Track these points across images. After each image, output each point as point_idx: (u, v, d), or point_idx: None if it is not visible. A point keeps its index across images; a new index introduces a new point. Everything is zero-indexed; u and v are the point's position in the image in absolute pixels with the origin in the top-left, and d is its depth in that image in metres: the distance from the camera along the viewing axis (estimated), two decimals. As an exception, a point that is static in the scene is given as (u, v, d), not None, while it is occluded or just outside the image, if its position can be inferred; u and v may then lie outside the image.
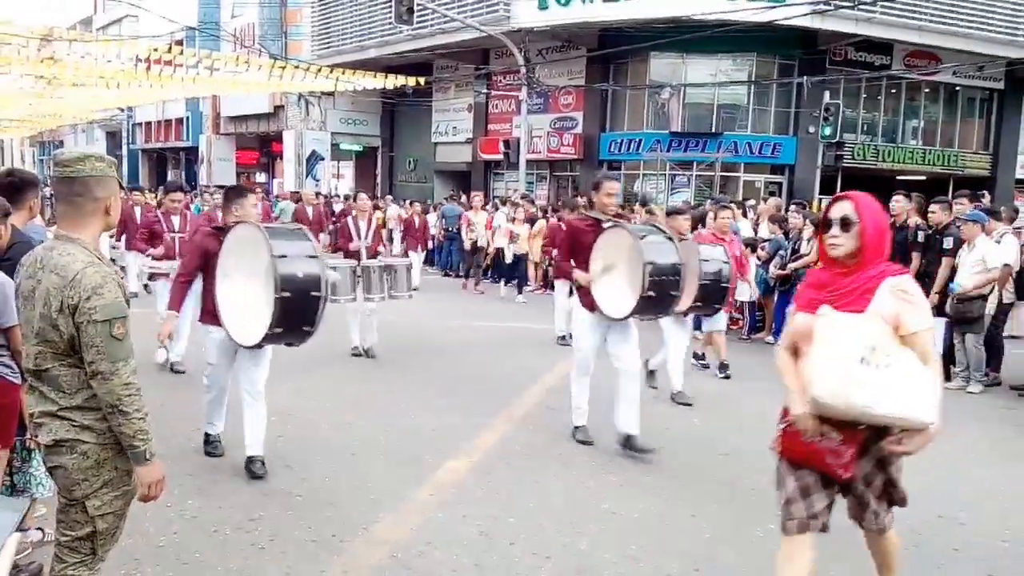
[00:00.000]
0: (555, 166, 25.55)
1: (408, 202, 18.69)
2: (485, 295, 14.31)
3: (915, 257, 8.30)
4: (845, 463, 2.77)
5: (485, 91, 26.37)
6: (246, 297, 4.66)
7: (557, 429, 5.92)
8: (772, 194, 20.50)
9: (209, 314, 4.89)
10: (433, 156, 29.92)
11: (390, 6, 20.20)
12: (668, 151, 22.48)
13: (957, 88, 25.05)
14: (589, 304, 5.46)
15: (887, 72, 22.84)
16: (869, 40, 21.22)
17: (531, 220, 14.66)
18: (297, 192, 21.69)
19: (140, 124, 42.06)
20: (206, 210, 14.59)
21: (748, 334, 10.28)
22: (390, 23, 22.51)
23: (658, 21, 19.45)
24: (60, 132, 45.19)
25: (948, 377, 7.89)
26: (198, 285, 5.12)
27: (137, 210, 11.13)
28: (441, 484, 4.84)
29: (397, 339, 9.00)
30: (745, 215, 12.52)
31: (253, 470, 4.78)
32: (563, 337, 9.54)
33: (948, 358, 7.95)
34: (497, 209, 16.55)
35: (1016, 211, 9.75)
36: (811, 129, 21.65)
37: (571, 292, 8.47)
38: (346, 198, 22.19)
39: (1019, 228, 8.91)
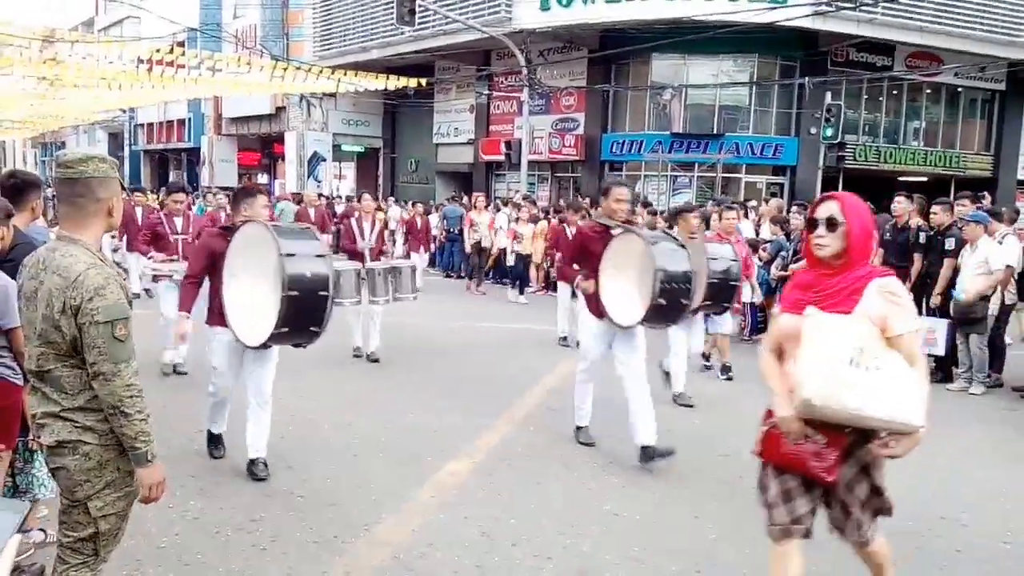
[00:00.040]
0: (556, 167, 25.56)
1: (410, 203, 18.70)
2: (487, 296, 14.32)
3: (917, 258, 8.31)
4: (828, 466, 2.73)
5: (487, 92, 26.37)
6: (253, 297, 4.62)
7: (558, 430, 5.92)
8: (774, 195, 20.48)
9: (215, 315, 4.82)
10: (435, 157, 29.93)
11: (392, 7, 20.26)
12: (669, 152, 22.47)
13: (959, 89, 25.03)
14: (597, 311, 5.37)
15: (888, 73, 22.85)
16: (870, 41, 21.21)
17: (534, 220, 14.67)
18: (298, 193, 21.69)
19: (142, 125, 42.07)
20: (209, 211, 14.60)
21: (750, 335, 10.28)
22: (392, 24, 22.57)
23: (660, 22, 19.46)
24: (62, 133, 45.22)
25: (950, 378, 7.90)
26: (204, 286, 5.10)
27: (139, 211, 11.12)
28: (442, 485, 4.84)
29: (399, 340, 9.00)
30: (747, 216, 12.52)
31: (255, 472, 4.78)
32: (565, 338, 9.55)
33: (951, 360, 7.95)
34: (499, 210, 16.56)
35: (1017, 212, 9.74)
36: (813, 130, 21.66)
37: (573, 294, 8.49)
38: (348, 199, 22.21)
39: (1021, 229, 8.91)
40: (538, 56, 22.76)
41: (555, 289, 10.82)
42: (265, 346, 4.68)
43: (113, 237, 11.75)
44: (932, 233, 8.22)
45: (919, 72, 23.04)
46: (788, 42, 20.90)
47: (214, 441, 5.21)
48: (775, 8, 19.00)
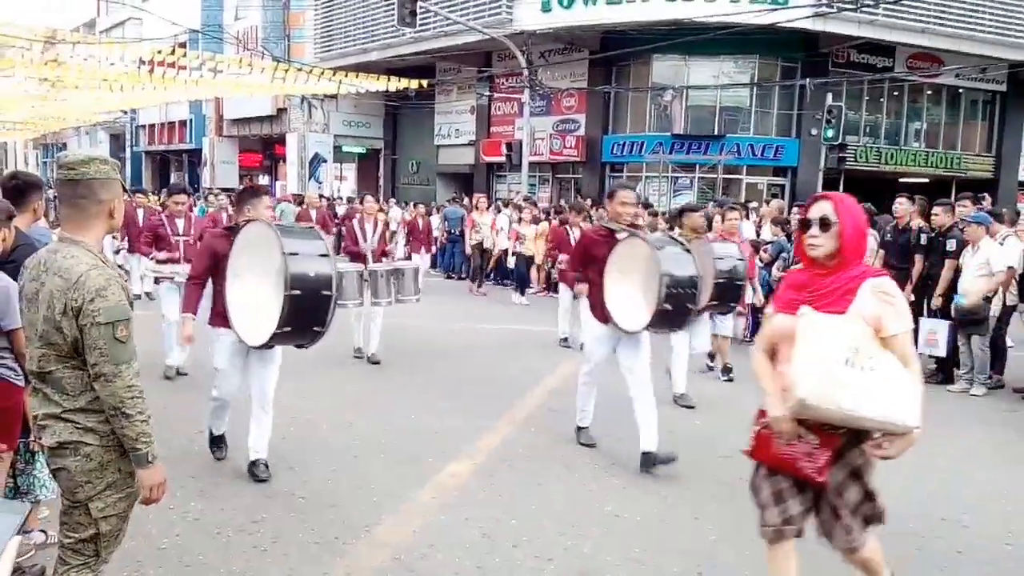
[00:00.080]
0: (557, 168, 25.57)
1: (412, 204, 18.69)
2: (488, 297, 14.32)
3: (918, 260, 8.30)
4: (819, 467, 2.72)
5: (487, 93, 26.39)
6: (257, 297, 4.60)
7: (559, 431, 5.92)
8: (775, 196, 20.46)
9: (219, 316, 4.80)
10: (436, 158, 29.95)
11: (393, 9, 20.26)
12: (670, 153, 22.47)
13: (960, 90, 25.04)
14: (602, 317, 5.32)
15: (889, 74, 22.86)
16: (871, 42, 21.21)
17: (535, 221, 14.67)
18: (300, 195, 21.70)
19: (143, 126, 42.13)
20: (210, 212, 14.61)
21: (751, 336, 10.27)
22: (393, 26, 22.59)
23: (660, 23, 19.47)
24: (63, 134, 45.29)
25: (951, 380, 7.89)
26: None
27: (140, 213, 11.12)
28: (443, 486, 4.84)
29: (400, 341, 9.00)
30: (747, 218, 12.52)
31: (256, 473, 4.78)
32: (566, 339, 9.55)
33: (952, 361, 7.95)
34: (500, 211, 16.57)
35: (1018, 213, 9.71)
36: (813, 131, 21.65)
37: (575, 296, 8.49)
38: (349, 201, 22.21)
39: (1022, 229, 8.88)
40: (539, 57, 22.78)
41: (556, 290, 10.82)
42: (268, 346, 4.65)
43: (115, 238, 11.76)
44: (933, 234, 8.22)
45: (920, 73, 23.04)
46: (789, 43, 20.92)
47: (216, 442, 5.20)
48: (776, 9, 19.01)
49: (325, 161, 30.95)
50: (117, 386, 2.41)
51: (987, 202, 11.12)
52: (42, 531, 3.78)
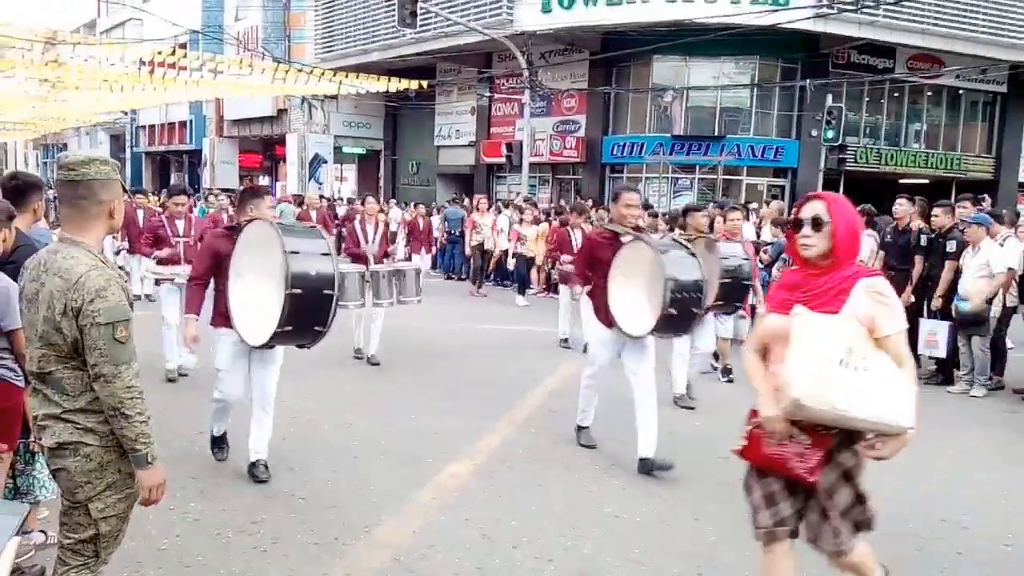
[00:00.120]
0: (558, 169, 25.57)
1: (412, 205, 18.69)
2: (488, 298, 14.32)
3: (918, 261, 8.30)
4: (811, 467, 2.71)
5: (488, 94, 26.39)
6: (259, 296, 4.59)
7: (559, 432, 5.92)
8: (775, 197, 20.45)
9: (220, 316, 4.79)
10: (436, 159, 29.96)
11: (393, 9, 20.26)
12: (671, 154, 22.49)
13: (960, 91, 25.04)
14: (607, 321, 5.29)
15: (890, 75, 22.86)
16: (872, 43, 21.21)
17: (536, 222, 14.67)
18: (300, 195, 21.71)
19: (143, 127, 42.15)
20: (211, 212, 14.61)
21: (751, 337, 10.26)
22: (393, 27, 22.59)
23: (661, 24, 19.47)
24: (64, 135, 45.31)
25: (951, 381, 7.89)
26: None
27: (140, 213, 11.12)
28: (443, 487, 4.84)
29: (400, 342, 9.00)
30: (747, 219, 12.52)
31: (256, 474, 4.78)
32: (566, 340, 9.55)
33: (952, 362, 7.95)
34: (500, 212, 16.57)
35: (1018, 214, 9.73)
36: (814, 132, 21.66)
37: (574, 296, 8.48)
38: (349, 201, 22.22)
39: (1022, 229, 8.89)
40: (539, 58, 22.78)
41: (556, 291, 10.82)
42: (269, 346, 4.64)
43: (115, 239, 11.76)
44: (933, 235, 8.21)
45: (920, 74, 23.04)
46: (789, 44, 20.92)
47: (218, 443, 5.19)
48: (776, 10, 19.02)
49: (325, 162, 30.97)
50: (117, 387, 2.41)
51: (987, 203, 11.13)
52: (42, 531, 3.79)
